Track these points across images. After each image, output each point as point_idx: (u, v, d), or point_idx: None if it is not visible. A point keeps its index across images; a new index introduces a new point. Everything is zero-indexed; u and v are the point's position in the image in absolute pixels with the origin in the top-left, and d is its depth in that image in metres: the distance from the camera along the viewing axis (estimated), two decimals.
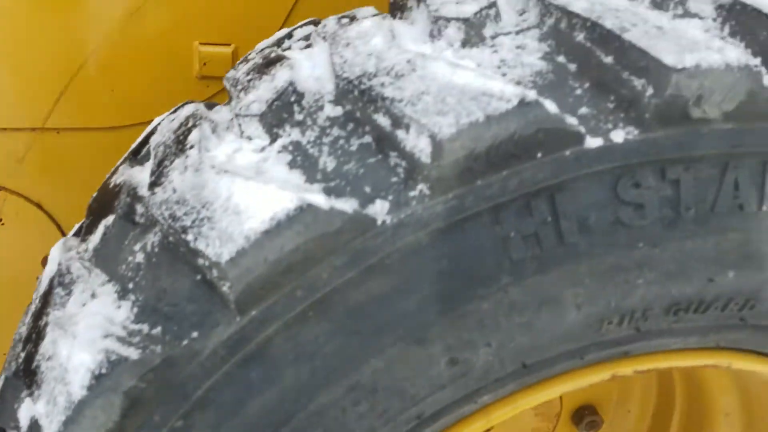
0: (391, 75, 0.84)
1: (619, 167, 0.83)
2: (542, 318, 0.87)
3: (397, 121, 0.81)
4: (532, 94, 0.78)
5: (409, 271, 0.82)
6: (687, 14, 0.97)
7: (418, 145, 0.79)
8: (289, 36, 1.18)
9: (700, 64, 0.79)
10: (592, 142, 0.81)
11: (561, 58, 0.89)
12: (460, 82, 0.80)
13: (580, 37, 0.87)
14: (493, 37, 0.92)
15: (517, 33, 0.93)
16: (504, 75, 0.85)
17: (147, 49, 1.75)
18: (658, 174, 0.84)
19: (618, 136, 0.82)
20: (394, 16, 1.09)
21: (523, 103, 0.77)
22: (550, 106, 0.79)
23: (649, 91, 0.81)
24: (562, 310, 0.88)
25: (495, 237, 0.82)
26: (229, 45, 1.78)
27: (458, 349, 0.86)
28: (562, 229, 0.83)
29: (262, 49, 1.16)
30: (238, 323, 0.79)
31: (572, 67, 0.88)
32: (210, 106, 1.15)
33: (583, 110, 0.84)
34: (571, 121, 0.81)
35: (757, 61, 0.82)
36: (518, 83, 0.85)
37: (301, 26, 1.24)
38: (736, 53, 0.81)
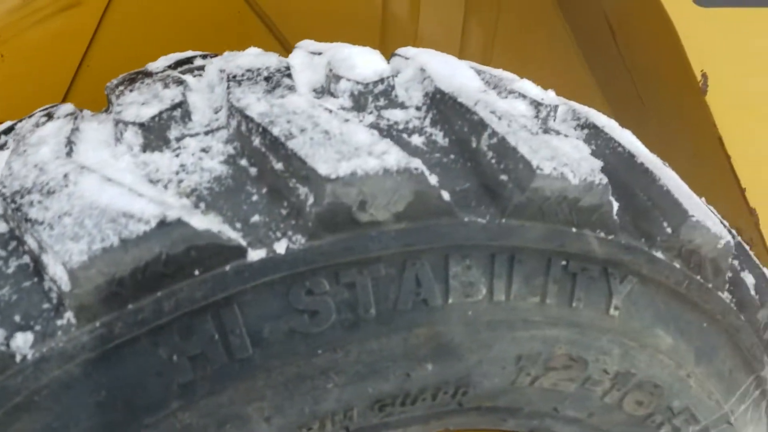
0: (43, 192, 0.79)
1: (288, 276, 0.81)
2: None
3: (41, 246, 0.76)
4: (173, 214, 0.75)
5: (62, 406, 0.76)
6: (391, 104, 0.98)
7: (57, 272, 0.74)
8: (8, 130, 1.11)
9: (356, 171, 0.79)
10: (255, 255, 0.79)
11: (243, 162, 0.87)
12: (104, 202, 0.76)
13: (256, 141, 0.85)
14: (179, 139, 0.89)
15: (206, 134, 0.90)
16: (167, 188, 0.82)
17: None
18: (332, 279, 0.83)
19: (281, 246, 0.80)
20: (107, 111, 1.05)
21: (163, 224, 0.74)
22: (200, 223, 0.76)
23: (311, 200, 0.80)
24: (249, 425, 0.84)
25: (157, 362, 0.78)
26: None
27: None
28: (231, 345, 0.80)
29: None
30: None
31: (253, 171, 0.86)
32: None
33: (256, 218, 0.82)
34: (231, 235, 0.79)
35: (417, 162, 0.82)
36: (188, 194, 0.82)
37: (30, 117, 1.17)
38: (395, 157, 0.82)
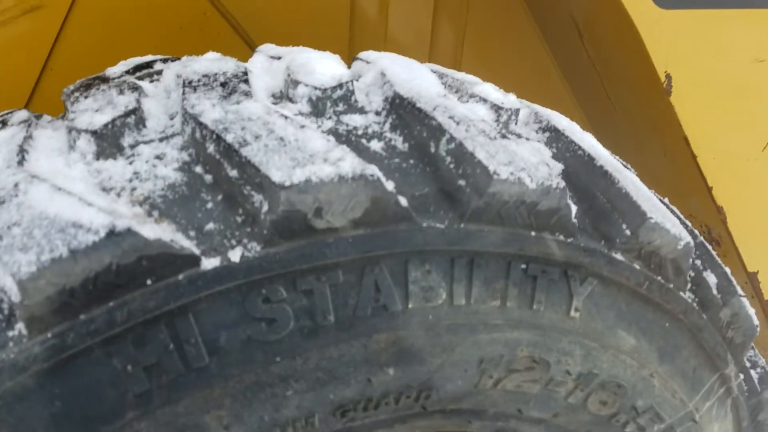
0: None
1: (244, 284, 0.80)
2: None
3: None
4: (123, 223, 0.74)
5: (16, 418, 0.75)
6: (351, 109, 0.98)
7: (6, 284, 0.73)
8: None
9: (310, 178, 0.79)
10: (209, 263, 0.79)
11: (198, 169, 0.86)
12: (53, 211, 0.75)
13: (211, 148, 0.85)
14: (132, 146, 0.88)
15: (160, 140, 0.89)
16: (120, 196, 0.81)
17: None
18: (289, 286, 0.82)
19: (235, 255, 0.79)
20: (63, 117, 1.03)
21: (112, 234, 0.73)
22: (152, 232, 0.76)
23: (265, 207, 0.80)
24: None
25: (111, 372, 0.77)
26: None
27: None
28: (187, 355, 0.79)
29: None
30: None
31: (208, 178, 0.85)
32: None
33: (210, 226, 0.82)
34: (184, 243, 0.78)
35: (373, 169, 0.82)
36: (141, 202, 0.81)
37: None
38: (351, 164, 0.81)
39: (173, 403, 0.80)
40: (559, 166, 0.99)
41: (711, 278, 1.22)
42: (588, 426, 1.14)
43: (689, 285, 1.15)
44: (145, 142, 0.88)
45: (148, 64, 1.14)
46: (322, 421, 0.91)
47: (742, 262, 1.84)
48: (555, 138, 1.08)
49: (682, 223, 1.21)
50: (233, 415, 0.84)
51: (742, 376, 1.31)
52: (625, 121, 1.88)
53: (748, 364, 1.34)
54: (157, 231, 0.76)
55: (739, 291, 1.25)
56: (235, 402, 0.83)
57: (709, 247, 1.29)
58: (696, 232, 1.27)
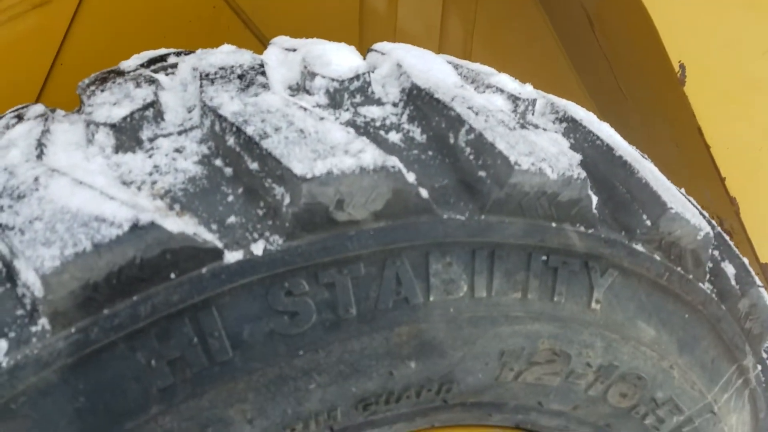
0: (14, 196, 0.77)
1: (267, 278, 0.80)
2: None
3: (12, 251, 0.74)
4: (146, 217, 0.73)
5: (40, 414, 0.74)
6: (368, 101, 0.97)
7: (30, 278, 0.72)
8: None
9: (332, 170, 0.78)
10: (232, 257, 0.78)
11: (218, 162, 0.86)
12: (75, 205, 0.74)
13: (230, 141, 0.84)
14: (151, 140, 0.88)
15: (179, 134, 0.89)
16: (141, 189, 0.81)
17: None
18: (311, 279, 0.82)
19: (258, 248, 0.79)
20: (79, 111, 1.03)
21: (136, 228, 0.73)
22: (175, 225, 0.75)
23: (287, 200, 0.79)
24: (231, 428, 0.83)
25: (135, 366, 0.76)
26: None
27: None
28: (211, 348, 0.79)
29: None
30: None
31: (228, 171, 0.85)
32: None
33: (232, 219, 0.81)
34: (206, 236, 0.77)
35: (394, 160, 0.82)
36: (162, 195, 0.80)
37: (0, 118, 1.15)
38: (372, 155, 0.81)
39: (197, 397, 0.79)
40: (577, 157, 0.99)
41: (729, 269, 1.21)
42: (607, 418, 1.14)
43: (708, 276, 1.15)
44: (164, 135, 0.88)
45: (162, 57, 1.13)
46: (345, 414, 0.91)
47: (755, 253, 1.83)
48: (572, 128, 1.07)
49: (701, 213, 1.21)
50: (257, 408, 0.83)
51: (759, 367, 1.30)
52: (636, 111, 1.87)
53: (765, 356, 1.34)
54: (179, 224, 0.76)
55: (758, 282, 1.24)
56: (258, 395, 0.83)
57: (727, 238, 1.29)
58: (714, 222, 1.26)
